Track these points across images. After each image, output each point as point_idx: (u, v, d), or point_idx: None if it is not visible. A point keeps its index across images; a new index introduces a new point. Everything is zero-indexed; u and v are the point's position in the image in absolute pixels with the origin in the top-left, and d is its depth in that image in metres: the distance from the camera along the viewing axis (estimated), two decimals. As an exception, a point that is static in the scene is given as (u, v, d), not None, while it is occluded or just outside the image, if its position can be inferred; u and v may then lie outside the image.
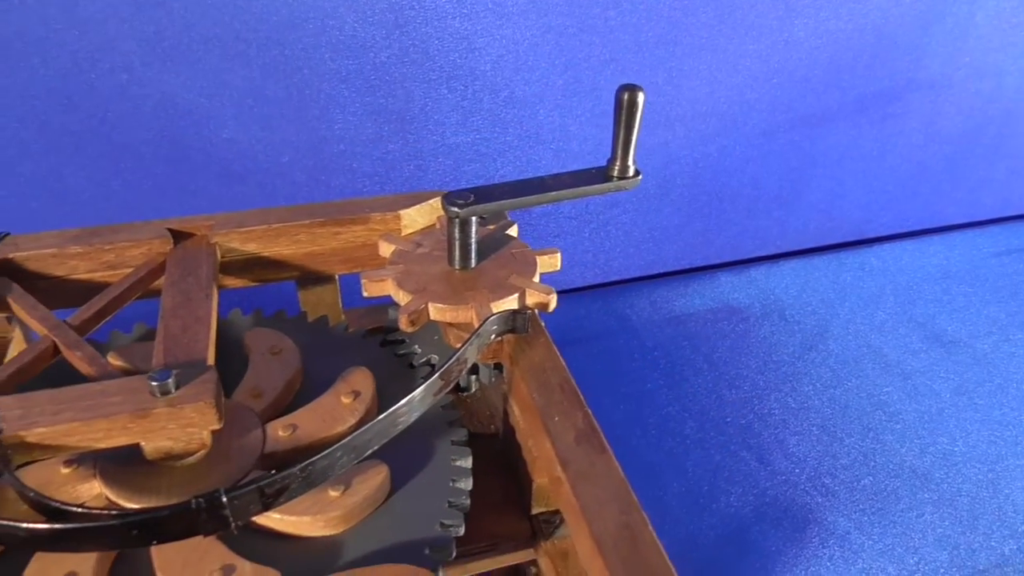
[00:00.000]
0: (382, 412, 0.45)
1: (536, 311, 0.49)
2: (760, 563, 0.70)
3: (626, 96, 0.48)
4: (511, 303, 0.48)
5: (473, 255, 0.50)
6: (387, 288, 0.50)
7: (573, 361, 0.49)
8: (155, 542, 0.34)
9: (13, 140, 0.76)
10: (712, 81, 0.94)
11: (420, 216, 0.57)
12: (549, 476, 0.42)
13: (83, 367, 0.44)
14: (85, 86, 0.75)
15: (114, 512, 0.34)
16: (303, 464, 0.36)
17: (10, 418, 0.37)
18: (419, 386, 0.41)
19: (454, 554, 0.40)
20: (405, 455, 0.43)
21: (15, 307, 0.48)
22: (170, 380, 0.39)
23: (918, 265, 1.08)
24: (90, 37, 0.73)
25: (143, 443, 0.40)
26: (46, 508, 0.35)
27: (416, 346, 0.51)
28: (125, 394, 0.39)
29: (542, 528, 0.47)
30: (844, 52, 0.97)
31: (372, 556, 0.39)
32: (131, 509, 0.37)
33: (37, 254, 0.51)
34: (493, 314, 0.46)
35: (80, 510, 0.34)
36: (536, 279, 0.50)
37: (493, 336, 0.46)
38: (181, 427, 0.39)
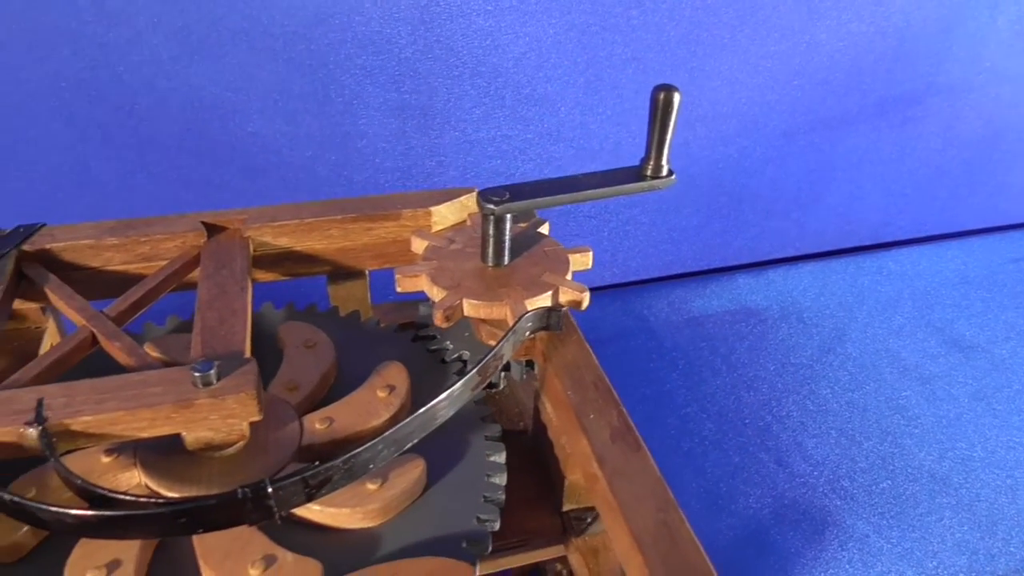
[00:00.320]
0: (416, 407, 0.46)
1: (568, 309, 0.49)
2: (779, 564, 0.70)
3: (662, 96, 0.48)
4: (545, 300, 0.48)
5: (507, 252, 0.50)
6: (421, 284, 0.50)
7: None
8: (201, 531, 0.34)
9: (42, 131, 0.76)
10: (733, 82, 0.94)
11: (451, 213, 0.58)
12: (584, 473, 0.42)
13: (122, 357, 0.44)
14: (113, 78, 0.76)
15: (162, 500, 0.34)
16: (346, 456, 0.36)
17: (55, 406, 0.38)
18: (456, 381, 0.41)
19: (490, 548, 0.40)
20: (440, 450, 0.43)
21: (52, 297, 0.49)
22: (212, 371, 0.39)
23: (936, 270, 1.08)
24: (119, 30, 0.73)
25: (184, 433, 0.40)
26: (92, 495, 0.35)
27: (448, 342, 0.52)
28: (168, 384, 0.39)
29: (573, 525, 0.48)
30: (865, 55, 0.97)
31: (409, 549, 0.39)
32: (176, 498, 0.37)
33: (73, 245, 0.52)
34: (528, 311, 0.46)
35: (128, 498, 0.34)
36: (569, 277, 0.50)
37: (528, 333, 0.47)
38: (222, 418, 0.39)
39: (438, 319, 0.47)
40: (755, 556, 0.71)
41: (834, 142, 1.02)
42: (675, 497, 0.39)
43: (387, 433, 0.37)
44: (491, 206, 0.48)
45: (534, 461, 0.51)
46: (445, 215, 0.58)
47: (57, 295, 0.48)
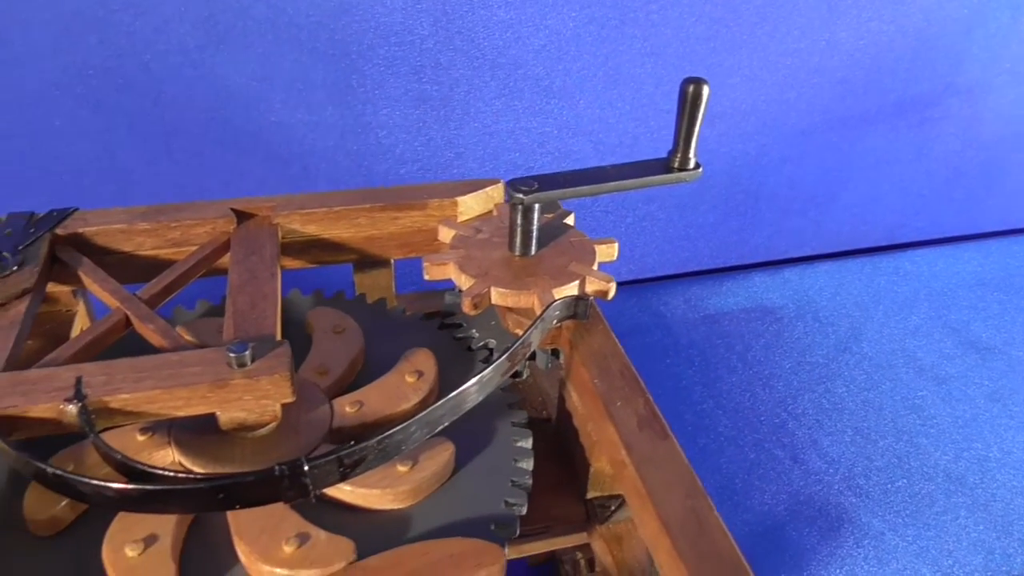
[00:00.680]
0: (443, 393, 0.46)
1: (594, 299, 0.49)
2: (794, 561, 0.71)
3: (691, 88, 0.48)
4: (571, 290, 0.49)
5: (534, 242, 0.51)
6: (449, 272, 0.50)
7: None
8: (238, 506, 0.35)
9: (70, 118, 0.77)
10: (752, 79, 0.94)
11: (476, 203, 0.58)
12: (611, 460, 0.43)
13: (155, 339, 0.45)
14: (140, 67, 0.76)
15: (201, 476, 0.35)
16: (380, 437, 0.37)
17: (94, 384, 0.38)
18: (486, 367, 0.41)
19: (518, 532, 0.40)
20: (468, 435, 0.44)
21: (86, 280, 0.49)
22: (247, 352, 0.40)
23: (953, 271, 1.08)
24: (147, 18, 0.74)
25: (219, 413, 0.41)
26: (132, 470, 0.35)
27: (474, 330, 0.52)
28: (204, 365, 0.40)
29: (597, 512, 0.48)
30: (885, 54, 0.97)
31: (439, 530, 0.40)
32: (215, 474, 0.37)
33: (106, 229, 0.52)
34: (556, 300, 0.47)
35: (168, 473, 0.35)
36: (595, 267, 0.51)
37: (555, 321, 0.47)
38: (256, 398, 0.40)
39: (466, 306, 0.47)
40: (771, 552, 0.71)
41: (852, 141, 1.02)
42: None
43: (420, 415, 0.38)
44: (520, 195, 0.48)
45: (557, 449, 0.52)
46: (471, 205, 0.58)
47: (90, 278, 0.49)
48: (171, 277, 0.50)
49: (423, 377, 0.46)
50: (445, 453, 0.42)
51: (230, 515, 0.38)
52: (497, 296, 0.48)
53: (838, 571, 0.69)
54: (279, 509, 0.38)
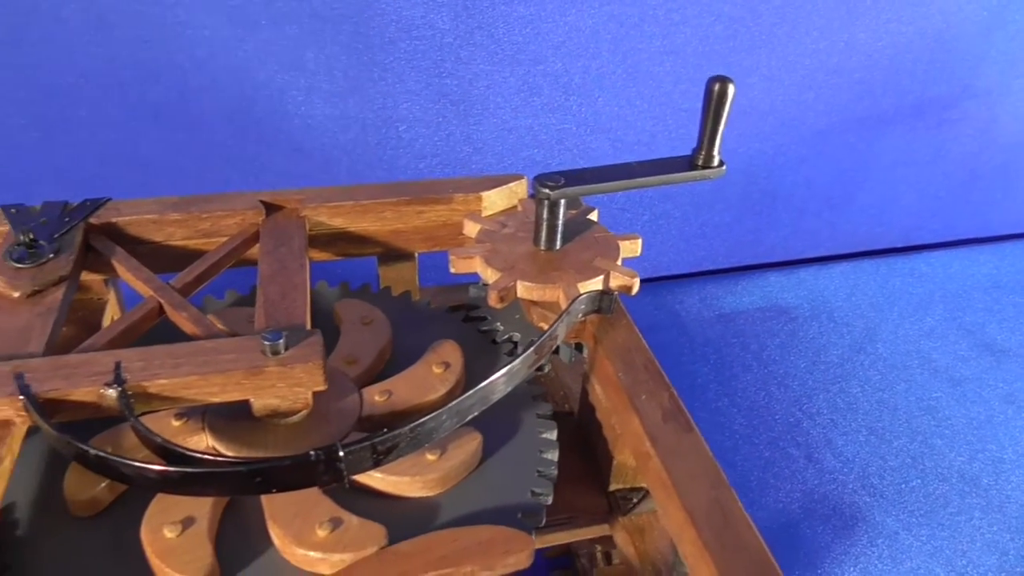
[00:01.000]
0: (469, 384, 0.47)
1: (618, 294, 0.50)
2: (808, 558, 0.71)
3: (717, 87, 0.49)
4: (596, 284, 0.49)
5: (559, 237, 0.51)
6: (475, 265, 0.51)
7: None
8: (274, 490, 0.36)
9: (96, 108, 0.78)
10: (771, 79, 0.94)
11: (500, 199, 0.59)
12: (636, 452, 0.43)
13: (188, 327, 0.46)
14: (166, 58, 0.77)
15: (239, 460, 0.36)
16: (412, 424, 0.37)
17: (133, 369, 0.39)
18: (513, 359, 0.42)
19: (544, 521, 0.41)
20: (494, 426, 0.45)
21: (119, 268, 0.50)
22: (281, 341, 0.40)
23: (968, 273, 1.08)
24: (175, 11, 0.75)
25: (252, 399, 0.41)
26: (170, 453, 0.36)
27: (498, 323, 0.53)
28: (239, 352, 0.41)
29: (619, 504, 0.49)
30: (904, 56, 0.97)
31: (466, 518, 0.40)
32: (252, 458, 0.38)
33: (138, 219, 0.53)
34: (581, 294, 0.47)
35: (206, 456, 0.36)
36: (619, 262, 0.51)
37: (580, 315, 0.48)
38: (289, 386, 0.41)
39: (493, 300, 0.48)
40: (785, 549, 0.71)
41: (869, 142, 1.03)
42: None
43: (451, 404, 0.39)
44: (546, 191, 0.49)
45: (580, 441, 0.53)
46: (495, 200, 0.59)
47: (124, 267, 0.50)
48: (203, 267, 0.50)
49: (450, 368, 0.47)
50: (473, 443, 0.43)
51: (264, 499, 0.39)
52: (523, 290, 0.49)
53: (852, 569, 0.69)
54: (312, 494, 0.39)
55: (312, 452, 0.35)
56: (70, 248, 0.50)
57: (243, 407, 0.42)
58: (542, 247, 0.52)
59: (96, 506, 0.40)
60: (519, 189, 0.60)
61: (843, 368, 0.92)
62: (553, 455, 0.44)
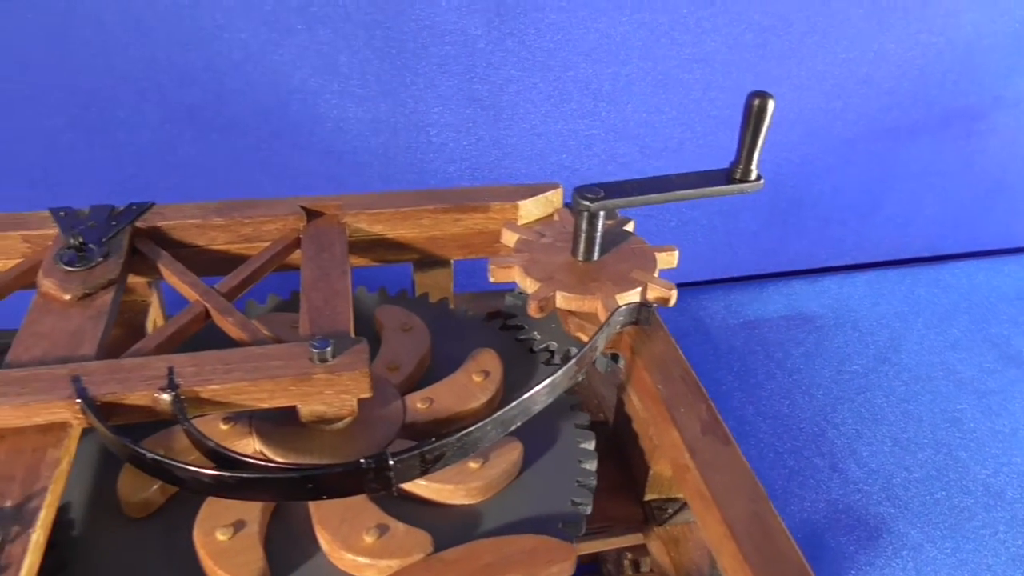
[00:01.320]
0: (508, 393, 0.48)
1: (656, 305, 0.51)
2: (832, 569, 0.71)
3: (756, 102, 0.49)
4: (634, 296, 0.50)
5: (597, 248, 0.52)
6: (513, 275, 0.52)
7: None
8: (324, 496, 0.37)
9: (134, 111, 0.79)
10: (799, 88, 0.95)
11: (536, 208, 0.59)
12: (674, 464, 0.44)
13: (234, 332, 0.47)
14: (203, 62, 0.78)
15: (291, 466, 0.37)
16: (459, 434, 0.38)
17: (185, 374, 0.40)
18: (555, 370, 0.43)
19: (584, 530, 0.42)
20: (534, 435, 0.45)
21: (165, 272, 0.51)
22: (329, 349, 0.41)
23: (993, 285, 1.07)
24: (213, 15, 0.76)
25: (300, 405, 0.42)
26: (223, 458, 0.37)
27: (535, 332, 0.53)
28: (287, 359, 0.41)
29: (655, 514, 0.49)
30: (933, 66, 0.97)
31: (508, 527, 0.41)
32: (304, 464, 0.39)
33: (182, 224, 0.54)
34: (620, 305, 0.48)
35: (258, 462, 0.37)
36: (656, 274, 0.52)
37: (619, 327, 0.48)
38: (336, 393, 0.42)
39: (532, 309, 0.49)
40: (809, 559, 0.71)
41: (897, 152, 1.03)
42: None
43: (496, 415, 0.39)
44: (586, 203, 0.50)
45: (614, 451, 0.53)
46: (531, 209, 0.59)
47: (169, 270, 0.51)
48: (246, 272, 0.51)
49: (489, 377, 0.48)
50: (514, 452, 0.43)
51: (311, 505, 0.40)
52: (562, 300, 0.49)
53: (877, 580, 0.70)
54: (358, 500, 0.40)
55: (363, 460, 0.36)
56: (118, 252, 0.51)
57: (289, 413, 0.43)
58: (580, 258, 0.52)
59: (149, 507, 0.41)
60: (555, 198, 0.60)
61: (867, 378, 0.92)
62: (592, 465, 0.45)
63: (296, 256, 0.55)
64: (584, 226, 0.51)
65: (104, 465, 0.43)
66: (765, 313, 1.02)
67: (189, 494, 0.40)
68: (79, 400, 0.38)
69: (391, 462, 0.36)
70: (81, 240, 0.49)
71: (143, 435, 0.43)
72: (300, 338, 0.45)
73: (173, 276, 0.51)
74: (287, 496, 0.38)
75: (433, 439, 0.37)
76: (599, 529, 0.48)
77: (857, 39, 0.91)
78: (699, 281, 1.06)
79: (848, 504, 0.77)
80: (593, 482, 0.44)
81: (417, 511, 0.41)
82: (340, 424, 0.43)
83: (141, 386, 0.39)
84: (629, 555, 0.56)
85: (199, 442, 0.38)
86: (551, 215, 0.60)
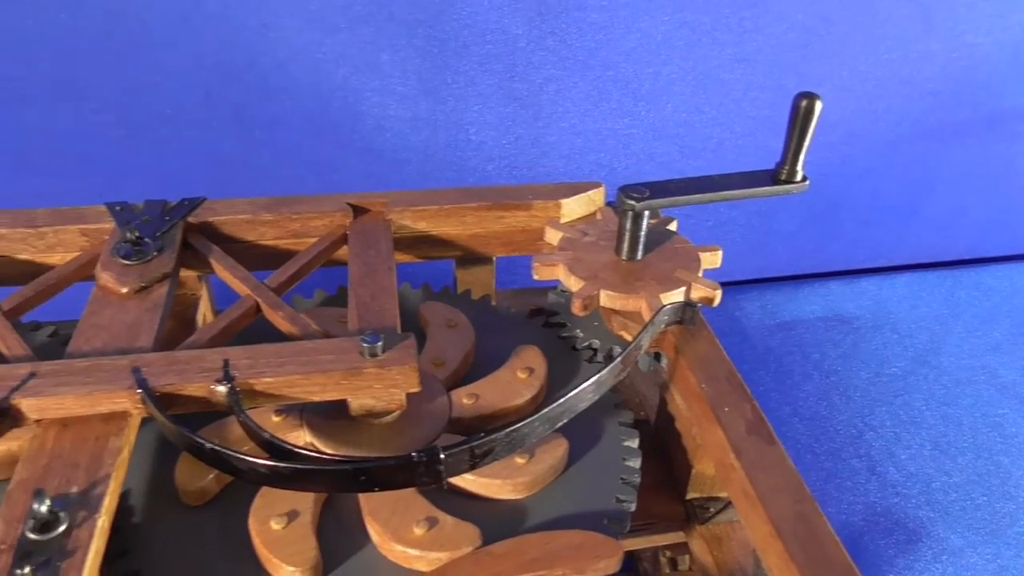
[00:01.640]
0: (551, 390, 0.48)
1: (700, 305, 0.51)
2: (871, 572, 0.71)
3: (804, 104, 0.49)
4: (678, 296, 0.50)
5: (641, 247, 0.52)
6: (557, 273, 0.52)
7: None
8: (376, 489, 0.37)
9: (180, 108, 0.80)
10: (842, 89, 0.94)
11: (578, 206, 0.60)
12: (718, 464, 0.44)
13: (284, 326, 0.48)
14: (248, 60, 0.80)
15: (345, 458, 0.37)
16: (508, 430, 0.39)
17: (240, 367, 0.41)
18: (601, 368, 0.43)
19: (628, 527, 0.42)
20: (578, 432, 0.46)
21: (217, 267, 0.52)
22: (379, 344, 0.42)
23: (1036, 288, 1.06)
24: (259, 14, 0.77)
25: (350, 399, 0.43)
26: (278, 449, 0.38)
27: (578, 330, 0.54)
28: (338, 353, 0.42)
29: (696, 513, 0.49)
30: (979, 67, 0.96)
31: (553, 522, 0.42)
32: (357, 457, 0.40)
33: (232, 219, 0.55)
34: (665, 305, 0.48)
35: (311, 453, 0.38)
36: (700, 274, 0.52)
37: (663, 326, 0.49)
38: (385, 387, 0.42)
39: (576, 308, 0.49)
40: (846, 561, 0.71)
41: (939, 154, 1.01)
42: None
43: (543, 411, 0.40)
44: (632, 202, 0.50)
45: (655, 449, 0.53)
46: (573, 208, 0.60)
47: (221, 265, 0.52)
48: (295, 267, 0.52)
49: (534, 374, 0.48)
50: (560, 448, 0.44)
51: (361, 497, 0.41)
52: (606, 299, 0.50)
53: (915, 585, 0.69)
54: (408, 493, 0.41)
55: (415, 454, 0.37)
56: (172, 246, 0.52)
57: (339, 406, 0.44)
58: (624, 257, 0.52)
59: (204, 496, 0.42)
60: (597, 197, 0.61)
61: (906, 381, 0.91)
62: (636, 463, 0.45)
63: (342, 252, 0.56)
64: (629, 225, 0.51)
65: (159, 454, 0.45)
66: (802, 314, 1.01)
67: (243, 483, 0.41)
68: (140, 391, 0.39)
69: (442, 456, 0.37)
70: (137, 234, 0.51)
71: (196, 426, 0.44)
72: (348, 333, 0.46)
73: (224, 270, 0.52)
74: (340, 487, 0.38)
75: (482, 434, 0.38)
76: (641, 526, 0.49)
77: (901, 39, 0.90)
78: (735, 281, 1.05)
79: (887, 507, 0.77)
80: (637, 479, 0.44)
81: (464, 505, 0.42)
82: (388, 418, 0.44)
83: (198, 378, 0.40)
84: (668, 553, 0.56)
85: (255, 433, 0.39)
86: (593, 214, 0.60)
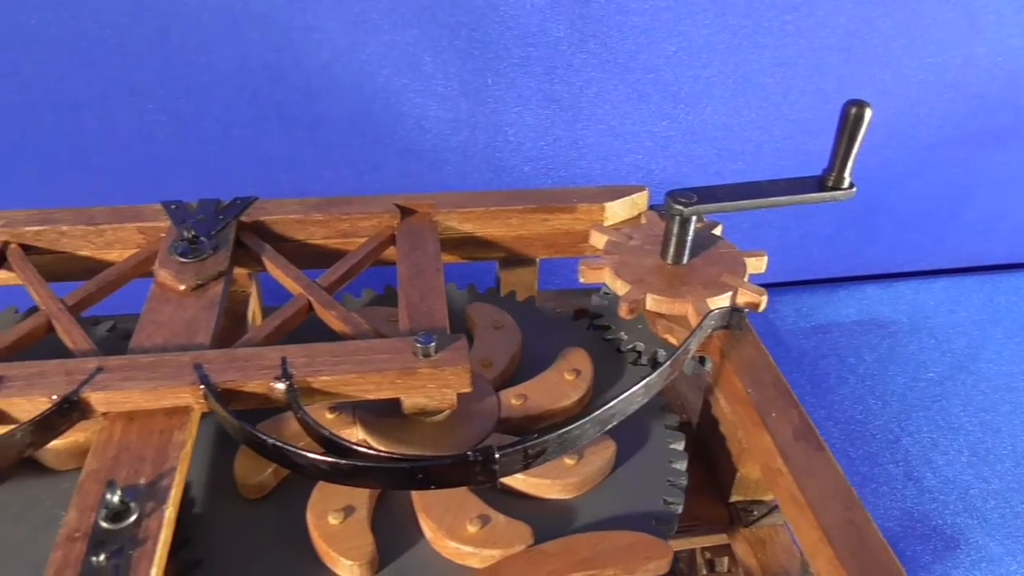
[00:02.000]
0: (597, 393, 0.49)
1: (747, 310, 0.51)
2: (907, 577, 0.71)
3: (854, 111, 0.50)
4: (724, 301, 0.50)
5: (687, 252, 0.53)
6: (603, 276, 0.53)
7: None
8: (433, 487, 0.38)
9: (225, 107, 0.82)
10: (884, 92, 0.93)
11: (622, 209, 0.60)
12: (765, 468, 0.44)
13: (337, 325, 0.49)
14: (293, 61, 0.81)
15: (402, 456, 0.38)
16: (560, 431, 0.39)
17: (298, 365, 0.42)
18: (650, 372, 0.44)
19: (676, 528, 0.43)
20: (625, 435, 0.46)
21: (269, 265, 0.54)
22: (432, 344, 0.43)
23: (1078, 294, 1.04)
24: (304, 15, 0.78)
25: (403, 398, 0.44)
26: (336, 446, 0.39)
27: (623, 332, 0.54)
28: (393, 353, 0.43)
29: (740, 516, 0.50)
30: None
31: (602, 523, 0.42)
32: (414, 455, 0.41)
33: (284, 219, 0.56)
34: (712, 310, 0.48)
35: (368, 451, 0.39)
36: (745, 279, 0.52)
37: (710, 330, 0.49)
38: (438, 387, 0.43)
39: (623, 311, 0.50)
40: (883, 566, 0.71)
41: (980, 158, 1.00)
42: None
43: (595, 413, 0.40)
44: (679, 207, 0.50)
45: (697, 452, 0.54)
46: (617, 211, 0.60)
47: (273, 264, 0.53)
48: (346, 266, 0.53)
49: (581, 376, 0.49)
50: (608, 450, 0.44)
51: (414, 494, 0.42)
52: (652, 303, 0.50)
53: (953, 592, 0.69)
54: (460, 492, 0.41)
55: (470, 453, 0.37)
56: (226, 244, 0.53)
57: (391, 404, 0.45)
58: (670, 261, 0.53)
59: (262, 490, 0.43)
60: (640, 201, 0.61)
61: (944, 386, 0.91)
62: (682, 465, 0.46)
63: (389, 252, 0.57)
64: (676, 230, 0.52)
65: (215, 449, 0.46)
66: (837, 317, 1.01)
67: (297, 478, 0.42)
68: (202, 386, 0.41)
69: (497, 455, 0.38)
70: (194, 233, 0.52)
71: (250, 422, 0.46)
72: (398, 332, 0.47)
73: (277, 269, 0.53)
74: (397, 484, 0.39)
75: (536, 435, 0.39)
76: (685, 528, 0.49)
77: (945, 44, 0.90)
78: (771, 284, 1.05)
79: (924, 513, 0.76)
80: (684, 482, 0.45)
81: (515, 505, 0.42)
82: (439, 417, 0.45)
83: (258, 375, 0.41)
84: (707, 554, 0.57)
85: (313, 430, 0.40)
86: (637, 217, 0.60)
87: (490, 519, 0.40)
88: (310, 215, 0.57)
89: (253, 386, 0.41)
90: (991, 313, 1.01)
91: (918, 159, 0.98)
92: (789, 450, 0.43)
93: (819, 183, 0.53)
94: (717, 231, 0.57)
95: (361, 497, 0.41)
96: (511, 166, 0.92)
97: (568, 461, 0.43)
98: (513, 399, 0.47)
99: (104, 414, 0.41)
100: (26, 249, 0.53)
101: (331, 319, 0.49)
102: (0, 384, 0.40)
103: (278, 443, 0.38)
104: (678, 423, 0.48)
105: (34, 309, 0.54)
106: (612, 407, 0.41)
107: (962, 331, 0.98)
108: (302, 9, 0.78)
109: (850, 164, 0.52)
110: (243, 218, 0.56)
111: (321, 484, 0.41)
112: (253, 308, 0.60)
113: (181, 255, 0.51)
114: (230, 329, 0.54)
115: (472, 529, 0.39)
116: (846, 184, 0.52)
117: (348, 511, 0.40)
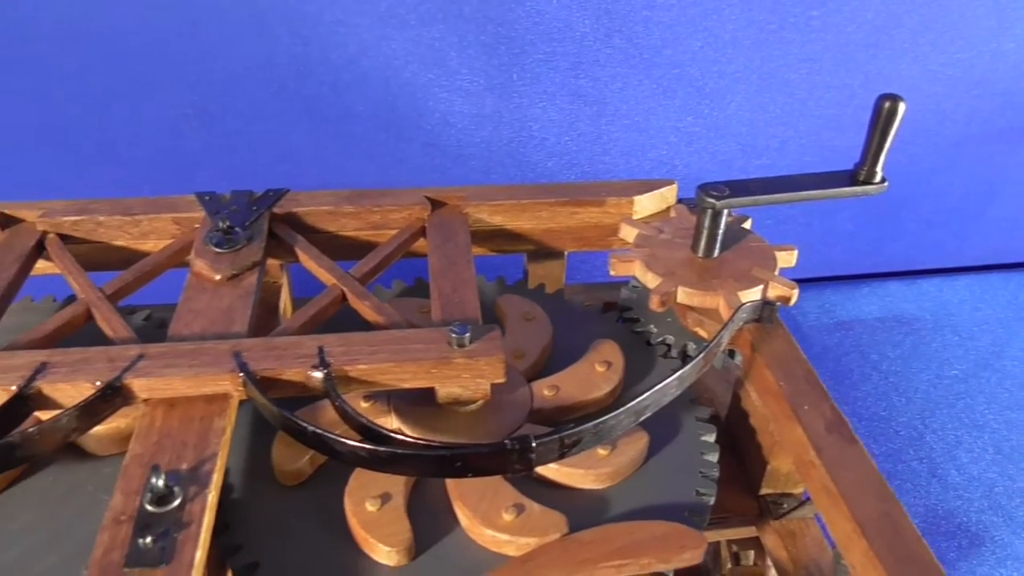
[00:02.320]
0: (628, 384, 0.49)
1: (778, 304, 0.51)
2: (931, 573, 0.71)
3: (887, 105, 0.49)
4: (755, 294, 0.51)
5: (718, 245, 0.53)
6: (634, 269, 0.53)
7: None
8: (470, 474, 0.39)
9: (252, 101, 0.83)
10: (911, 88, 0.93)
11: (651, 203, 0.60)
12: (798, 460, 0.45)
13: (370, 315, 0.49)
14: (320, 55, 0.82)
15: (440, 444, 0.39)
16: (596, 421, 0.40)
17: (335, 354, 0.43)
18: (684, 364, 0.44)
19: (708, 519, 0.43)
20: (657, 426, 0.46)
21: (302, 256, 0.54)
22: (467, 335, 0.43)
23: (1104, 293, 1.04)
24: (332, 10, 0.79)
25: (437, 387, 0.44)
26: (373, 433, 0.40)
27: (652, 325, 0.55)
28: (428, 343, 0.44)
29: (770, 508, 0.50)
30: (1052, 67, 0.94)
31: (635, 513, 0.42)
32: (451, 443, 0.41)
33: (316, 210, 0.57)
34: (744, 303, 0.49)
35: (406, 439, 0.39)
36: (776, 272, 0.52)
37: (742, 324, 0.49)
38: (472, 377, 0.44)
39: (655, 304, 0.50)
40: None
41: (1007, 155, 1.00)
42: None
43: (629, 404, 0.41)
44: (711, 200, 0.50)
45: (727, 444, 0.54)
46: (645, 205, 0.60)
47: (306, 255, 0.54)
48: (378, 258, 0.54)
49: (612, 367, 0.49)
50: (641, 441, 0.45)
51: (450, 483, 0.42)
52: (683, 296, 0.50)
53: (979, 589, 0.69)
54: (495, 480, 0.42)
55: (507, 441, 0.38)
56: (259, 235, 0.54)
57: (426, 393, 0.45)
58: (700, 254, 0.53)
59: (300, 476, 0.43)
60: (669, 195, 0.61)
61: (968, 383, 0.90)
62: (713, 457, 0.46)
63: (419, 244, 0.58)
64: (707, 223, 0.52)
65: (252, 436, 0.46)
66: (860, 314, 1.00)
67: (333, 465, 0.43)
68: (242, 374, 0.41)
69: (534, 444, 0.38)
70: (229, 224, 0.53)
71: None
72: (430, 323, 0.47)
73: (310, 260, 0.53)
74: (434, 472, 0.40)
75: (572, 424, 0.39)
76: (716, 520, 0.49)
77: (973, 39, 0.89)
78: (793, 280, 1.05)
79: (948, 510, 0.76)
80: (715, 473, 0.45)
81: (549, 494, 0.43)
82: (473, 406, 0.45)
83: (296, 363, 0.42)
84: (734, 547, 0.57)
85: (351, 418, 0.40)
86: (666, 211, 0.60)
87: (525, 508, 0.40)
88: (341, 207, 0.57)
89: (291, 374, 0.42)
90: (1016, 311, 1.01)
91: (944, 156, 0.98)
92: (822, 442, 0.43)
93: (851, 177, 0.53)
94: (747, 225, 0.57)
95: (397, 485, 0.41)
96: (535, 161, 0.92)
97: (601, 451, 0.44)
98: (545, 390, 0.47)
99: (145, 400, 0.41)
100: (63, 239, 0.54)
101: (365, 309, 0.50)
102: (44, 370, 0.41)
103: (319, 430, 0.38)
104: (709, 415, 0.49)
105: (72, 298, 0.55)
106: (646, 398, 0.41)
107: (986, 328, 0.98)
108: (330, 4, 0.78)
109: (882, 158, 0.52)
110: (276, 209, 0.57)
111: (358, 472, 0.42)
112: (284, 299, 0.60)
113: (216, 245, 0.52)
114: (264, 318, 0.55)
115: (508, 517, 0.40)
116: (878, 178, 0.52)
117: (385, 498, 0.41)
